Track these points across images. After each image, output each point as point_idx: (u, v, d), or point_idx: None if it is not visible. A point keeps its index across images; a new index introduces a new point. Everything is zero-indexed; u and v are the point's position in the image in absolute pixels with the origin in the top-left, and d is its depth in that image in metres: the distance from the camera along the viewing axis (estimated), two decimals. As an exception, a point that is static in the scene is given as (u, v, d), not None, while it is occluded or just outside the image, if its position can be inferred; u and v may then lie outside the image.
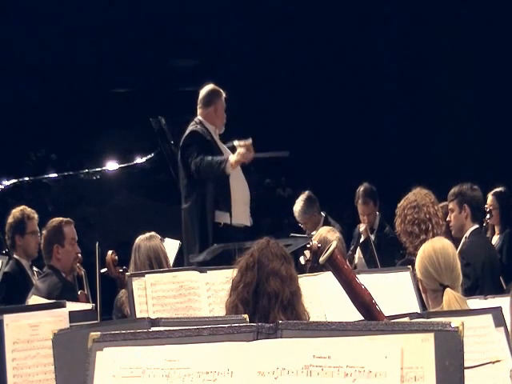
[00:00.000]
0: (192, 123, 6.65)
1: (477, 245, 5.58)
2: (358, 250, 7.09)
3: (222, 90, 6.75)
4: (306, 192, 7.81)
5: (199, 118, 6.67)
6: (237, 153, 6.32)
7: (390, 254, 6.23)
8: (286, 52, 13.76)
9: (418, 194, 5.29)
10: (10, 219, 6.13)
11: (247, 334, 1.60)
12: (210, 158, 6.33)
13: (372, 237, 7.10)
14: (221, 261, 5.33)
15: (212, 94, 6.67)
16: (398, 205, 5.34)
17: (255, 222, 6.91)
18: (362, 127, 13.12)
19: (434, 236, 4.79)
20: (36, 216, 6.15)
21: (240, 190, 6.52)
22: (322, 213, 7.74)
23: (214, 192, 6.41)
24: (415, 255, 3.73)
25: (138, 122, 10.10)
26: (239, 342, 1.58)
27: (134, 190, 9.14)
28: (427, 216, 5.18)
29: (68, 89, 13.42)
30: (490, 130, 12.02)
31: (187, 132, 6.61)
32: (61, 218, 5.67)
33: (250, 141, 6.36)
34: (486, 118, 12.14)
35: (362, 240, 7.15)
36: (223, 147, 6.66)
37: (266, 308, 3.00)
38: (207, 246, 6.18)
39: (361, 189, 7.37)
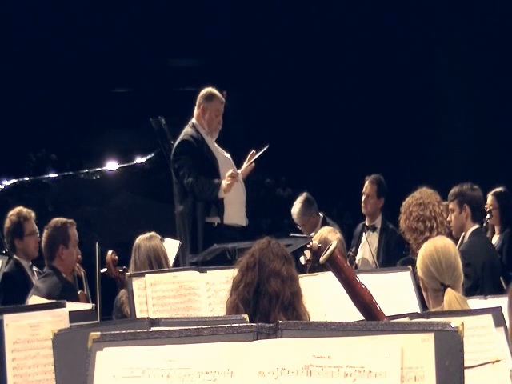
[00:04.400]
0: (186, 126, 6.67)
1: (477, 245, 5.58)
2: (360, 250, 7.08)
3: (218, 95, 6.66)
4: (304, 194, 7.79)
5: (193, 120, 6.68)
6: (225, 183, 6.36)
7: (399, 252, 6.20)
8: (284, 52, 13.77)
9: (423, 193, 5.32)
10: (7, 223, 6.10)
11: (247, 333, 1.60)
12: (202, 182, 6.36)
13: (376, 235, 7.09)
14: (217, 261, 5.35)
15: (202, 97, 6.64)
16: (403, 202, 5.35)
17: (255, 222, 6.92)
18: (362, 127, 13.12)
19: (438, 235, 4.79)
20: (33, 215, 6.12)
21: (233, 191, 6.52)
22: (319, 213, 7.73)
23: (211, 209, 6.45)
24: (417, 254, 3.73)
25: (138, 121, 10.10)
26: (239, 342, 1.58)
27: (134, 189, 9.14)
28: (432, 214, 5.20)
29: (68, 89, 13.43)
30: (490, 130, 12.02)
31: (178, 141, 6.63)
32: (65, 219, 5.63)
33: (232, 172, 6.40)
34: (486, 118, 12.14)
35: (363, 239, 7.13)
36: (217, 151, 6.64)
37: (267, 308, 3.00)
38: (201, 246, 6.19)
39: (372, 175, 7.30)
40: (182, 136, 6.64)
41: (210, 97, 6.63)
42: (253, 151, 6.61)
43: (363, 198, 7.17)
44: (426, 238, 4.75)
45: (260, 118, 13.10)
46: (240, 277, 3.09)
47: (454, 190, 5.68)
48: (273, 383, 1.52)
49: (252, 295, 3.03)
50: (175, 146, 6.65)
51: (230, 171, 6.40)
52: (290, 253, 3.29)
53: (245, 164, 6.64)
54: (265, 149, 6.60)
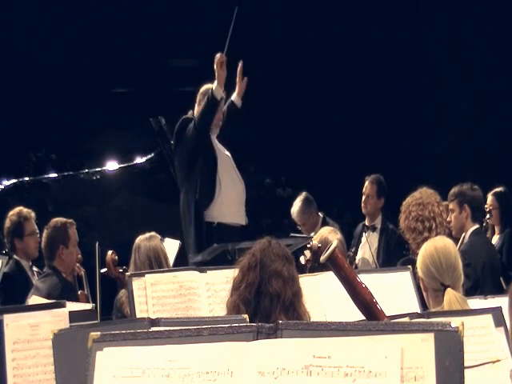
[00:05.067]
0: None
1: (477, 245, 5.58)
2: (360, 250, 7.08)
3: None
4: (304, 193, 7.80)
5: (194, 117, 6.66)
6: (216, 82, 6.35)
7: (399, 252, 6.20)
8: (284, 52, 13.76)
9: (423, 193, 5.32)
10: (7, 223, 6.09)
11: (247, 333, 1.60)
12: (200, 112, 6.36)
13: (376, 235, 7.09)
14: (217, 261, 5.35)
15: (202, 94, 6.62)
16: (404, 202, 5.35)
17: (255, 222, 6.89)
18: (362, 127, 13.12)
19: (437, 235, 4.79)
20: (33, 215, 6.12)
21: (233, 190, 6.50)
22: (319, 213, 7.73)
23: (203, 193, 6.42)
24: (417, 254, 3.73)
25: (137, 121, 10.10)
26: (239, 342, 1.58)
27: (134, 189, 9.14)
28: (431, 214, 5.19)
29: (68, 89, 13.43)
30: (490, 130, 12.02)
31: (179, 121, 6.62)
32: (64, 219, 5.63)
33: (218, 56, 6.37)
34: (487, 119, 12.14)
35: (363, 239, 7.13)
36: (218, 148, 6.61)
37: (268, 308, 3.00)
38: (201, 246, 6.19)
39: (372, 175, 7.30)
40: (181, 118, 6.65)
41: (208, 93, 6.61)
42: (240, 65, 6.58)
43: (363, 198, 7.17)
44: (425, 238, 4.75)
45: (260, 118, 13.10)
46: (241, 277, 3.09)
47: (453, 190, 5.68)
48: (273, 383, 1.52)
49: (253, 295, 3.03)
50: (177, 124, 6.63)
51: (217, 60, 6.37)
52: (290, 253, 3.29)
53: (237, 85, 6.61)
54: (234, 12, 6.59)
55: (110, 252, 4.75)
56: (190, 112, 6.65)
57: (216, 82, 6.35)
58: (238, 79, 6.62)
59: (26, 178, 9.28)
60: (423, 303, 3.76)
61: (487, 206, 7.11)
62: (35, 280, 5.81)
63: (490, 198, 7.35)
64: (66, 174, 9.48)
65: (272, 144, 13.11)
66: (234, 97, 6.69)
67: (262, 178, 14.05)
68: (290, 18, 13.81)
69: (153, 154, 8.86)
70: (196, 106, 6.65)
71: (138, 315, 3.68)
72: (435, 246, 3.46)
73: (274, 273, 3.05)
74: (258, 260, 3.08)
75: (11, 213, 6.13)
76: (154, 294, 3.77)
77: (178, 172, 6.65)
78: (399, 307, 3.57)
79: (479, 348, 2.76)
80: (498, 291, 4.69)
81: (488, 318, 2.84)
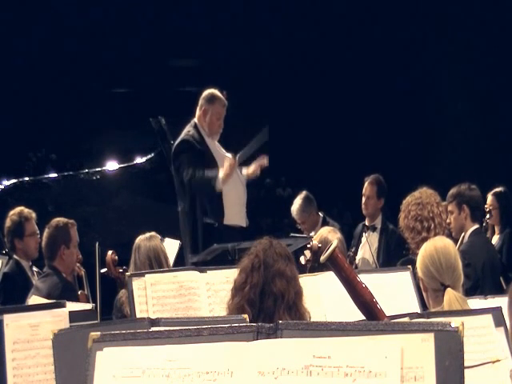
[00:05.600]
0: (188, 125, 6.64)
1: (477, 245, 5.58)
2: (360, 250, 7.08)
3: (220, 97, 6.57)
4: (304, 192, 7.80)
5: (195, 120, 6.64)
6: (223, 170, 6.34)
7: (399, 252, 6.19)
8: (284, 52, 13.76)
9: (423, 193, 5.32)
10: (8, 223, 6.07)
11: (247, 334, 1.60)
12: (201, 173, 6.33)
13: (376, 235, 7.09)
14: (218, 261, 5.34)
15: (204, 99, 6.58)
16: (404, 201, 5.36)
17: (255, 222, 6.88)
18: (362, 127, 13.12)
19: (435, 236, 4.78)
20: (34, 215, 6.10)
21: (234, 192, 6.49)
22: (319, 213, 7.73)
23: (213, 216, 6.43)
24: (417, 254, 3.73)
25: (138, 122, 10.10)
26: (239, 342, 1.58)
27: (134, 189, 9.13)
28: (430, 215, 5.19)
29: (68, 89, 13.43)
30: (490, 130, 12.02)
31: (178, 140, 6.60)
32: (66, 219, 5.61)
33: (230, 158, 6.38)
34: (486, 119, 12.14)
35: (363, 239, 7.12)
36: (218, 153, 6.60)
37: (272, 309, 3.00)
38: (201, 246, 6.18)
39: (372, 175, 7.28)
40: (182, 135, 6.61)
41: (211, 99, 6.57)
42: (265, 157, 6.59)
43: (363, 199, 7.16)
44: (424, 238, 4.75)
45: (260, 118, 13.11)
46: (244, 278, 3.08)
47: (451, 191, 5.66)
48: (273, 383, 1.52)
49: (258, 296, 3.03)
50: (175, 144, 6.62)
51: (228, 161, 6.35)
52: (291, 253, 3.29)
53: (253, 166, 6.60)
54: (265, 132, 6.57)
55: (110, 252, 4.75)
56: (191, 122, 6.62)
57: (222, 176, 6.33)
58: (255, 166, 6.61)
59: (26, 178, 9.27)
60: (423, 303, 3.75)
61: (487, 206, 7.10)
62: (35, 280, 5.80)
63: (489, 198, 7.35)
64: (66, 174, 9.48)
65: (272, 144, 13.10)
66: (244, 172, 6.66)
67: (262, 178, 14.05)
68: (290, 18, 13.81)
69: (153, 154, 8.86)
70: (198, 110, 6.62)
71: (138, 315, 3.68)
72: (435, 246, 3.47)
73: (278, 273, 3.06)
74: (262, 260, 3.08)
75: (12, 212, 6.12)
76: (154, 294, 3.77)
77: (176, 182, 6.64)
78: (399, 307, 3.57)
79: (479, 348, 2.76)
80: (498, 291, 4.68)
81: (488, 318, 2.84)
